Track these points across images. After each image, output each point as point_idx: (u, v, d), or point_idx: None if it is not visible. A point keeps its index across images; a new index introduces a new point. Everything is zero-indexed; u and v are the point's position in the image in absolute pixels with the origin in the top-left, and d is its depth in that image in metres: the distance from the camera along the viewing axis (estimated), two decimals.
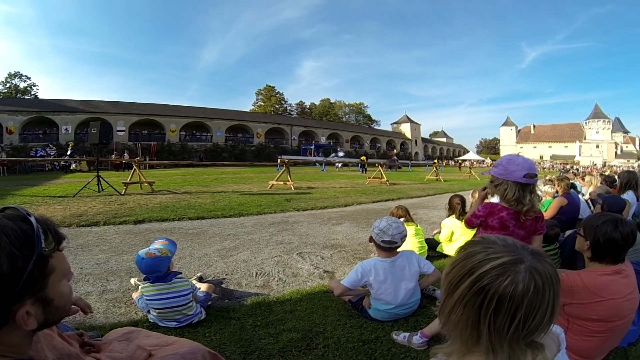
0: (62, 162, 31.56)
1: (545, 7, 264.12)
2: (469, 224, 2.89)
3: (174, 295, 2.91)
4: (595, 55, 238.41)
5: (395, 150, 40.25)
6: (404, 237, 3.23)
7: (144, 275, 3.07)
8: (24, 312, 0.92)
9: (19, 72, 68.73)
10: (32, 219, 0.98)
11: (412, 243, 4.70)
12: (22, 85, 68.24)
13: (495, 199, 2.86)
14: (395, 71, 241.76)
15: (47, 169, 31.94)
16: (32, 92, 68.11)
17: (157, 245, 3.17)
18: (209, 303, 3.33)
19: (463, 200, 5.45)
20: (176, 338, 1.82)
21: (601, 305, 2.14)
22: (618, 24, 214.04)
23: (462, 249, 1.04)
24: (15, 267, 0.89)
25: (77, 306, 1.54)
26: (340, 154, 49.26)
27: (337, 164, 40.66)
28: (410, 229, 4.81)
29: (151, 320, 3.01)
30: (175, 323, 2.92)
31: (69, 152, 34.59)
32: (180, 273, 3.23)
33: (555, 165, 67.03)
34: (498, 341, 0.90)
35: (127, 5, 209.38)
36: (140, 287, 3.13)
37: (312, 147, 55.56)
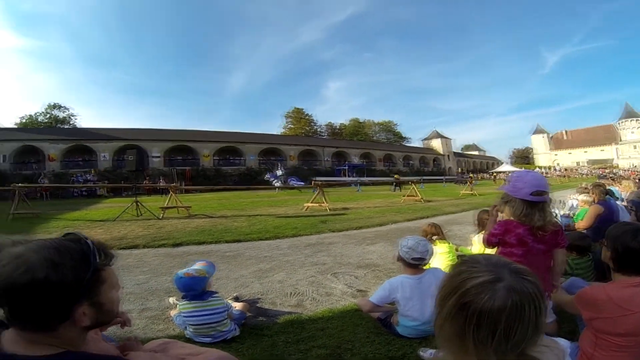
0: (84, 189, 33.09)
1: (557, 9, 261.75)
2: (488, 244, 2.84)
3: (209, 312, 3.08)
4: (615, 52, 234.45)
5: (396, 175, 37.80)
6: (431, 254, 3.29)
7: (182, 295, 3.27)
8: (81, 311, 1.15)
9: (57, 103, 72.69)
10: (89, 242, 1.25)
11: (444, 261, 4.67)
12: (61, 115, 71.98)
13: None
14: (419, 86, 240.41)
15: (75, 194, 33.69)
16: (71, 122, 71.76)
17: (197, 266, 3.37)
18: (243, 321, 3.46)
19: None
20: (207, 348, 2.02)
21: (628, 318, 2.03)
22: (632, 18, 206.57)
23: (452, 268, 1.13)
24: (77, 276, 1.13)
25: (121, 318, 1.74)
26: (279, 172, 37.84)
27: (275, 184, 33.70)
28: (443, 247, 4.85)
29: (187, 336, 3.17)
30: (209, 339, 3.07)
31: (89, 177, 36.99)
32: (217, 293, 3.38)
33: (593, 171, 64.03)
34: (484, 352, 0.97)
35: (154, 37, 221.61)
36: (178, 305, 3.31)
37: (346, 167, 55.58)
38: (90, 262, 1.19)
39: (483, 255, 1.11)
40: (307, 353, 2.86)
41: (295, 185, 31.55)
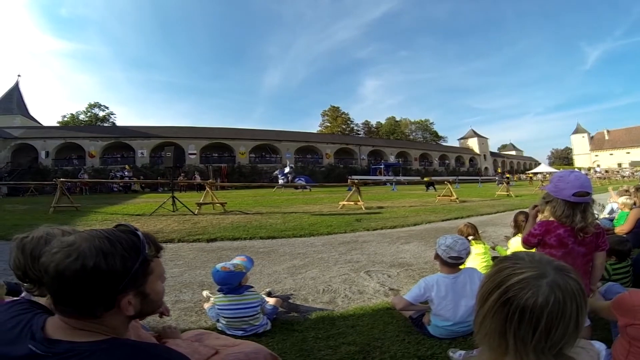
0: (121, 184, 33.98)
1: (596, 1, 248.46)
2: (527, 244, 2.75)
3: (243, 306, 3.17)
4: None
5: (427, 178, 35.93)
6: (468, 253, 3.27)
7: (217, 288, 3.37)
8: (127, 300, 1.18)
9: (97, 102, 77.18)
10: (139, 233, 1.28)
11: (479, 262, 4.60)
12: (101, 114, 76.32)
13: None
14: (456, 85, 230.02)
15: (114, 189, 34.91)
16: (111, 120, 76.01)
17: (236, 261, 3.44)
18: (275, 316, 3.51)
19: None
20: (242, 340, 2.09)
21: None
22: None
23: (494, 264, 1.12)
24: (125, 266, 1.16)
25: (161, 308, 1.79)
26: (287, 169, 35.29)
27: (280, 181, 31.60)
28: (478, 248, 4.77)
29: (219, 328, 3.24)
30: (241, 332, 3.12)
31: (125, 174, 38.13)
32: (252, 287, 3.48)
33: (635, 173, 60.87)
34: (524, 350, 0.96)
35: (190, 38, 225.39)
36: (212, 298, 3.43)
37: (382, 166, 55.16)
38: (140, 253, 1.23)
39: (526, 252, 1.11)
40: (337, 349, 2.86)
41: (300, 184, 30.45)
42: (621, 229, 5.51)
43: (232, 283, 3.28)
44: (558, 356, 0.98)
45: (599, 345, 1.21)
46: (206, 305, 3.68)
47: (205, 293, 4.19)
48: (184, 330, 2.67)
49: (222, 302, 3.24)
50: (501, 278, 1.02)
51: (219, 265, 3.34)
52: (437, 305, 3.09)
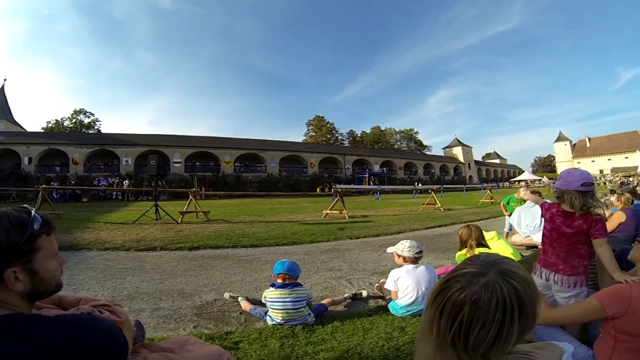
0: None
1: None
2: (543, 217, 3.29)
3: (291, 299, 3.53)
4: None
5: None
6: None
7: (271, 283, 3.80)
8: (10, 272, 1.21)
9: (83, 108, 76.13)
10: (32, 211, 1.33)
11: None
12: (86, 120, 75.34)
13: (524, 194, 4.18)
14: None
15: (102, 196, 34.59)
16: (96, 127, 74.99)
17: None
18: (325, 312, 3.90)
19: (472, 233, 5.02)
20: (213, 345, 2.07)
21: None
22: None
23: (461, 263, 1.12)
24: (9, 239, 1.20)
25: (110, 307, 1.71)
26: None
27: None
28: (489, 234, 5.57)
29: (270, 322, 3.59)
30: (284, 322, 3.51)
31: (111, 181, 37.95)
32: (302, 285, 3.81)
33: (613, 180, 60.98)
34: (444, 343, 0.95)
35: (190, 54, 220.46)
36: (265, 292, 3.77)
37: (367, 175, 55.48)
38: (27, 228, 1.25)
39: (487, 253, 1.09)
40: (315, 356, 2.84)
41: None
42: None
43: (296, 272, 3.81)
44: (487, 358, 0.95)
45: (566, 346, 1.16)
46: (248, 307, 3.96)
47: (227, 295, 4.42)
48: (162, 339, 2.63)
49: (273, 294, 3.59)
50: (450, 274, 1.03)
51: (282, 260, 3.91)
52: (404, 289, 3.91)
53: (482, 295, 0.91)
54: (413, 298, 3.82)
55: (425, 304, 1.08)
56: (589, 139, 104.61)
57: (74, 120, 73.97)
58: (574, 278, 2.92)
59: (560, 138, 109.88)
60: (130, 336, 1.65)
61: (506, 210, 9.31)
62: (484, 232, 5.31)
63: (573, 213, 2.94)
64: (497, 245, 5.34)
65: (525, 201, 7.06)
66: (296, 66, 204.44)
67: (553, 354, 1.10)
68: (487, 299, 0.91)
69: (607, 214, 6.28)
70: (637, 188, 12.90)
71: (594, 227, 2.89)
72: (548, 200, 3.43)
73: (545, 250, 3.21)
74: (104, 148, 44.83)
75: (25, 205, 1.37)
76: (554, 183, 3.40)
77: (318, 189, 40.89)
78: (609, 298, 2.20)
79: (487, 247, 5.04)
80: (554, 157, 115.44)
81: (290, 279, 3.72)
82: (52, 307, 1.56)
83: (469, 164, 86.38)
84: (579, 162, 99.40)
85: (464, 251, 4.93)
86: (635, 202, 6.24)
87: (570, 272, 2.94)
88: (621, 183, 45.84)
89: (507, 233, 8.85)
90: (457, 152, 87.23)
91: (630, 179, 56.11)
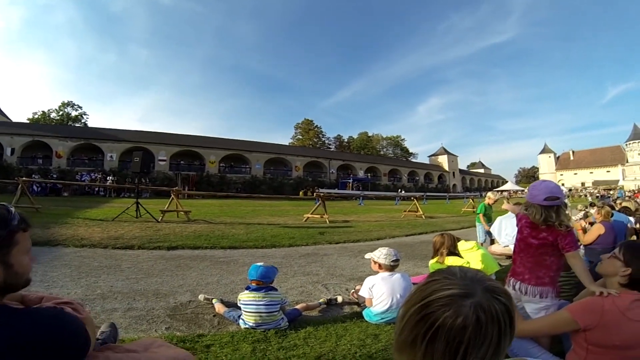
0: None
1: None
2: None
3: (264, 303, 3.54)
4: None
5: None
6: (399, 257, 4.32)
7: (246, 286, 3.82)
8: None
9: (71, 101, 75.36)
10: (11, 208, 1.42)
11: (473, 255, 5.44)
12: (73, 113, 73.80)
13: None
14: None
15: (86, 191, 34.30)
16: (83, 121, 73.38)
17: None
18: (299, 317, 3.92)
19: (445, 242, 5.34)
20: (181, 350, 2.09)
21: (629, 327, 2.06)
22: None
23: (428, 276, 1.07)
24: None
25: (72, 304, 1.70)
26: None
27: None
28: (467, 245, 5.65)
29: (242, 326, 3.59)
30: (256, 325, 3.52)
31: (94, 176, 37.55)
32: (276, 289, 3.84)
33: (592, 192, 62.00)
34: None
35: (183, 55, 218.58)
36: (240, 294, 3.76)
37: (351, 180, 55.42)
38: (8, 224, 1.35)
39: (460, 267, 1.06)
40: None
41: None
42: (584, 239, 5.96)
43: (270, 277, 3.80)
44: None
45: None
46: (222, 310, 3.95)
47: (201, 297, 4.41)
48: (133, 340, 2.60)
49: (247, 297, 3.59)
50: (428, 292, 0.98)
51: (257, 264, 3.88)
52: (378, 296, 3.95)
53: (481, 318, 0.90)
54: (387, 305, 3.85)
55: (398, 315, 1.06)
56: (573, 152, 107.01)
57: (60, 112, 72.43)
58: (540, 288, 2.95)
59: (545, 150, 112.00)
60: (93, 332, 1.65)
61: (486, 224, 9.28)
62: (464, 241, 5.44)
63: (538, 225, 2.98)
64: (474, 256, 5.36)
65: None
66: (291, 70, 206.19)
67: None
68: (485, 321, 0.90)
69: (584, 224, 6.44)
70: (617, 201, 13.22)
71: (563, 241, 2.89)
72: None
73: (514, 260, 3.27)
74: (89, 142, 43.96)
75: (4, 203, 1.44)
76: None
77: (301, 193, 41.11)
78: (581, 310, 2.23)
79: (459, 256, 5.17)
80: (537, 168, 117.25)
81: (264, 284, 3.72)
82: (15, 303, 1.55)
83: (453, 172, 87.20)
84: (562, 174, 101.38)
85: (435, 259, 5.18)
86: (615, 215, 6.41)
87: (535, 282, 2.98)
88: (601, 196, 46.71)
89: (482, 243, 8.88)
90: (443, 160, 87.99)
91: (611, 192, 57.21)
